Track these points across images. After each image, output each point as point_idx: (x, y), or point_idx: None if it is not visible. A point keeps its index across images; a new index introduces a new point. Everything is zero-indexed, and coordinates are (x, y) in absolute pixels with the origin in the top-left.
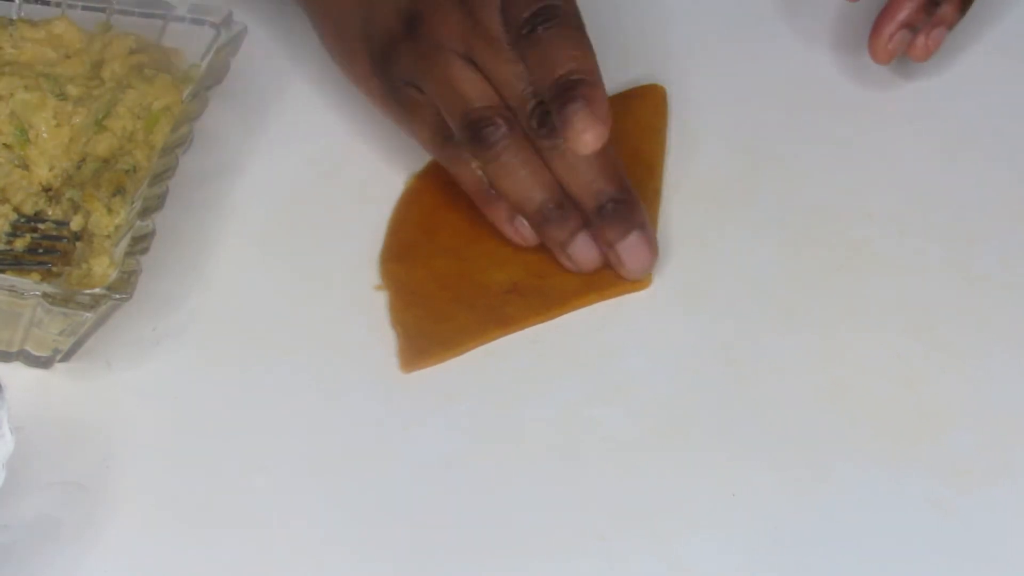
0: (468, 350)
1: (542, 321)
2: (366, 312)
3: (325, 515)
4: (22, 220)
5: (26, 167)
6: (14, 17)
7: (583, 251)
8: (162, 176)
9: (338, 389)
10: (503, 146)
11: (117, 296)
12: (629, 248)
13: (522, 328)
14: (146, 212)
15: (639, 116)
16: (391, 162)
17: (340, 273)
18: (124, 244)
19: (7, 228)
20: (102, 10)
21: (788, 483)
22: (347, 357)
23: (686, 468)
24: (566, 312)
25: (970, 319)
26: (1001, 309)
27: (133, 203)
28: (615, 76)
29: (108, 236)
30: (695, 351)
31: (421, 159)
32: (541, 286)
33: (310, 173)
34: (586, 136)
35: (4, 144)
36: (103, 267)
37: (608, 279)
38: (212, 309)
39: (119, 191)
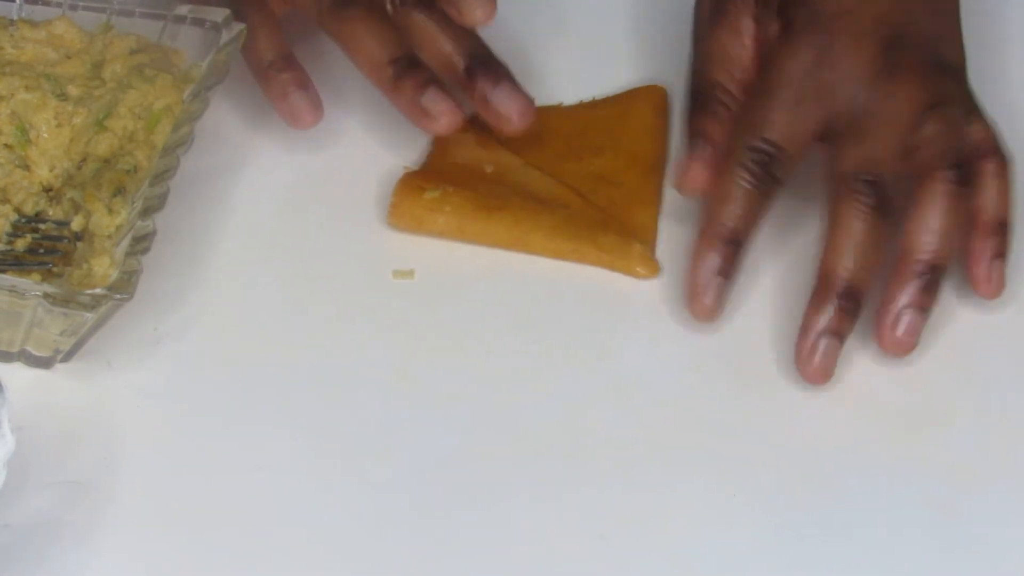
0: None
1: (523, 244)
2: (367, 312)
3: (325, 514)
4: (23, 220)
5: (27, 167)
6: (15, 17)
7: (437, 100)
8: (163, 176)
9: (339, 389)
10: (354, 13)
11: (118, 296)
12: (503, 94)
13: (502, 235)
14: (147, 212)
15: (640, 116)
16: (391, 161)
17: (340, 272)
18: (125, 244)
19: (8, 228)
20: (103, 10)
21: (788, 483)
22: (348, 357)
23: (686, 468)
24: (543, 247)
25: (970, 319)
26: (1001, 310)
27: (134, 203)
28: (615, 76)
29: (109, 236)
30: (695, 351)
31: (421, 158)
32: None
33: (310, 172)
34: (478, 12)
35: (5, 144)
36: (104, 267)
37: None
38: (213, 309)
39: (120, 191)
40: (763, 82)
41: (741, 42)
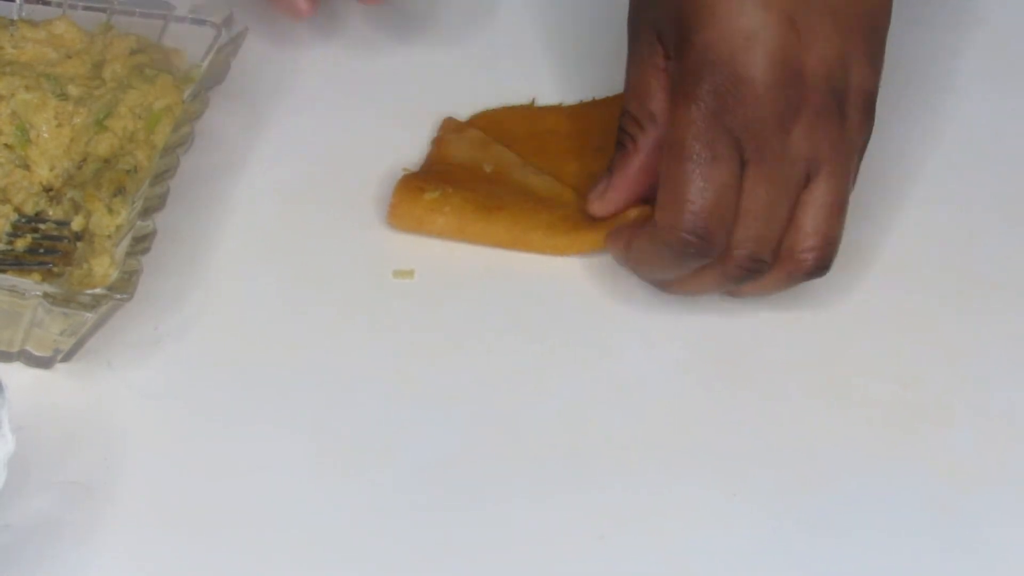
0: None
1: (523, 243)
2: (367, 311)
3: (325, 514)
4: (23, 220)
5: (27, 167)
6: (15, 17)
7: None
8: (163, 176)
9: (339, 389)
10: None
11: (118, 296)
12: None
13: (499, 233)
14: (147, 212)
15: None
16: (391, 162)
17: (340, 272)
18: (125, 244)
19: (8, 228)
20: (103, 10)
21: (788, 483)
22: (348, 357)
23: (686, 468)
24: (542, 244)
25: (970, 319)
26: (1001, 309)
27: (134, 203)
28: (616, 76)
29: (109, 236)
30: (695, 351)
31: (420, 159)
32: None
33: (310, 173)
34: None
35: (5, 144)
36: (104, 267)
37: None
38: (213, 309)
39: (120, 191)
40: (672, 138)
41: (649, 72)
